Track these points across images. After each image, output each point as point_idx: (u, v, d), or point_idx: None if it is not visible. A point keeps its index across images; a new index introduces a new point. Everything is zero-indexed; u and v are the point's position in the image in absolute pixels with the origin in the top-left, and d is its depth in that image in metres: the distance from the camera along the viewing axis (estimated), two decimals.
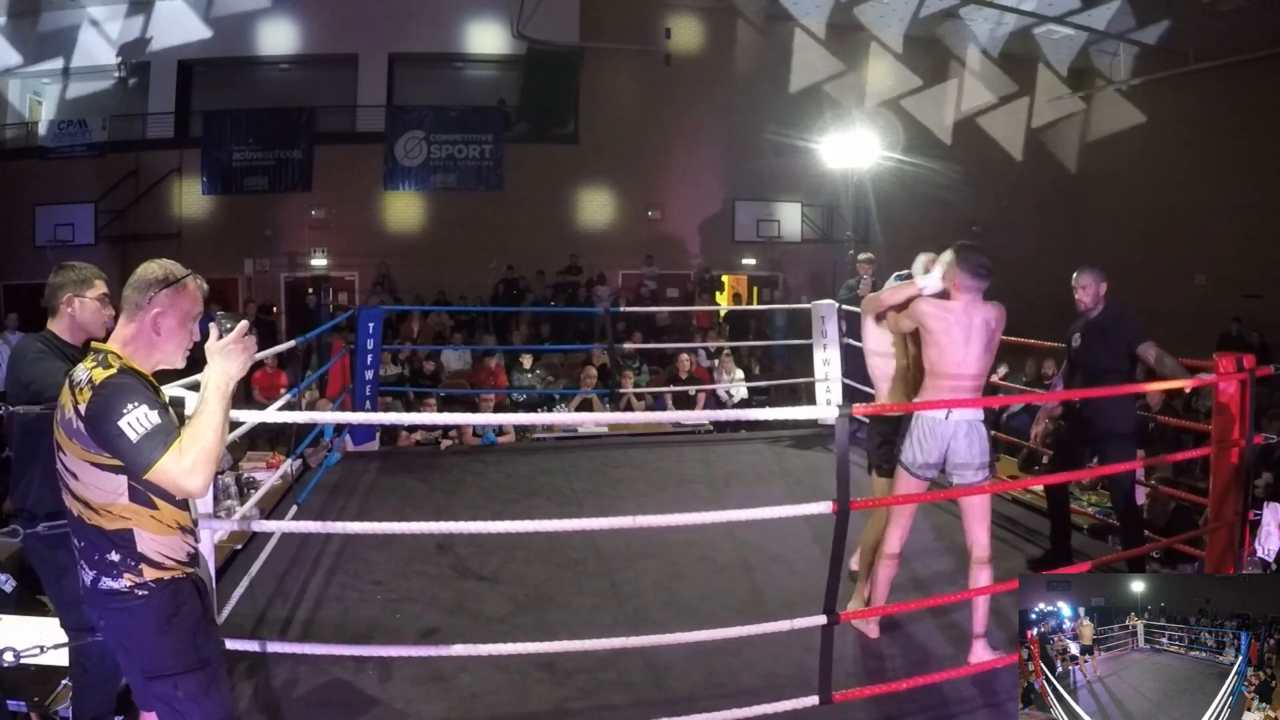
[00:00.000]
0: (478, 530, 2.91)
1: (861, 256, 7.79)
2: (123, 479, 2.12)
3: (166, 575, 2.19)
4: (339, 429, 6.62)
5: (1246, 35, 13.66)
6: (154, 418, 2.04)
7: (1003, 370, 8.69)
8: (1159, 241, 16.00)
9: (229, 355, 2.17)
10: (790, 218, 17.76)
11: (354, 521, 4.31)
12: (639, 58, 16.71)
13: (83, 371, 2.12)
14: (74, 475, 2.13)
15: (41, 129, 15.79)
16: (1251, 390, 3.77)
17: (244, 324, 2.20)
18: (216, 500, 4.71)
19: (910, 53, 17.76)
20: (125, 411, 2.01)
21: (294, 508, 5.28)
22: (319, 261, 16.19)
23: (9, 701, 3.24)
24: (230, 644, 3.07)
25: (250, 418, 3.76)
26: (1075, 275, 4.71)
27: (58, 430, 2.13)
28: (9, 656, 2.78)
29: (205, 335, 2.22)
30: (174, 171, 15.83)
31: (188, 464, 2.02)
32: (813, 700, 3.03)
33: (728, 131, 17.02)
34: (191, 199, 15.97)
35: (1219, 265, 15.17)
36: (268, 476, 5.39)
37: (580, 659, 3.46)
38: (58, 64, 15.67)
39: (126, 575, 2.15)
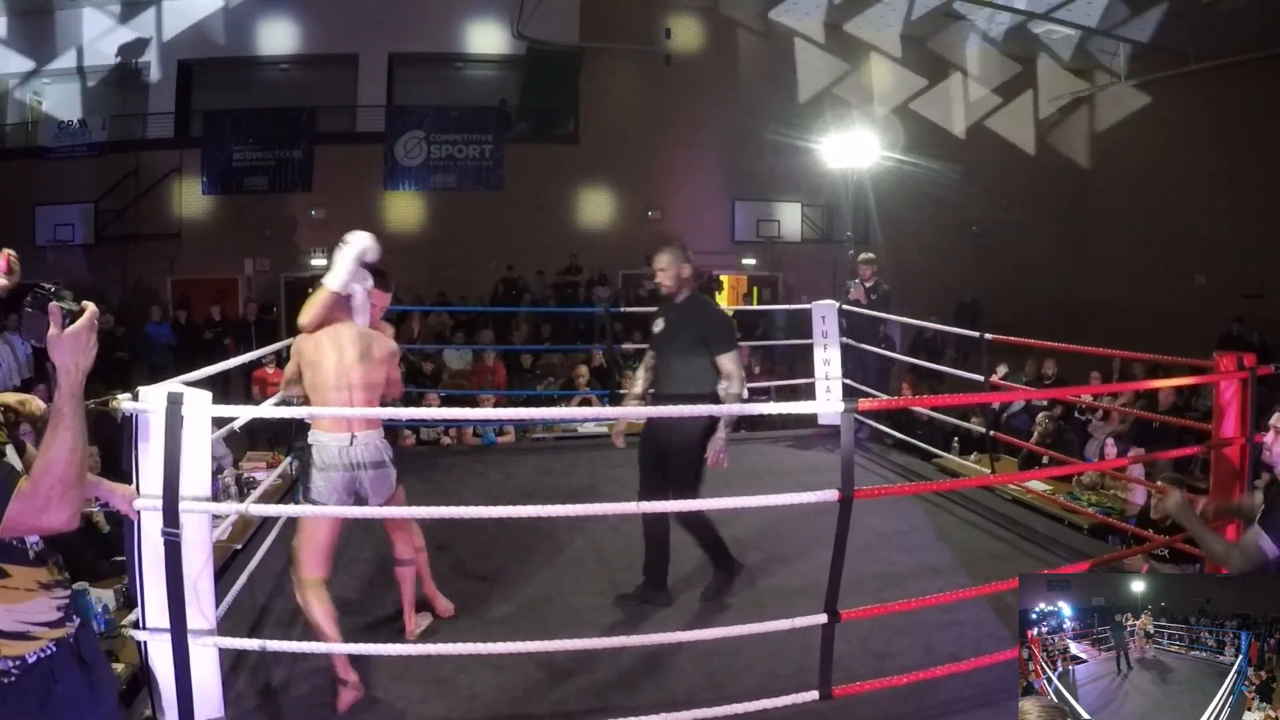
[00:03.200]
0: (477, 515, 2.87)
1: (861, 257, 7.78)
2: None
3: (31, 650, 1.80)
4: None
5: (1246, 35, 13.65)
6: None
7: (1002, 370, 8.68)
8: (1159, 241, 16.01)
9: (81, 346, 1.71)
10: (790, 218, 17.76)
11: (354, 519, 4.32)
12: (639, 58, 16.70)
13: None
14: None
15: (41, 129, 15.78)
16: (1252, 389, 3.77)
17: (91, 307, 1.75)
18: (216, 500, 4.71)
19: (909, 53, 17.76)
20: None
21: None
22: (319, 261, 16.16)
23: None
24: (230, 643, 3.07)
25: (246, 413, 3.78)
26: (655, 256, 4.08)
27: None
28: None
29: (33, 318, 1.72)
30: (174, 171, 15.81)
31: (40, 502, 1.67)
32: (813, 695, 3.03)
33: (728, 131, 17.01)
34: (191, 199, 15.96)
35: (1219, 265, 15.17)
36: (268, 476, 5.40)
37: (580, 659, 3.46)
38: (58, 64, 15.66)
39: None
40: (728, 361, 3.99)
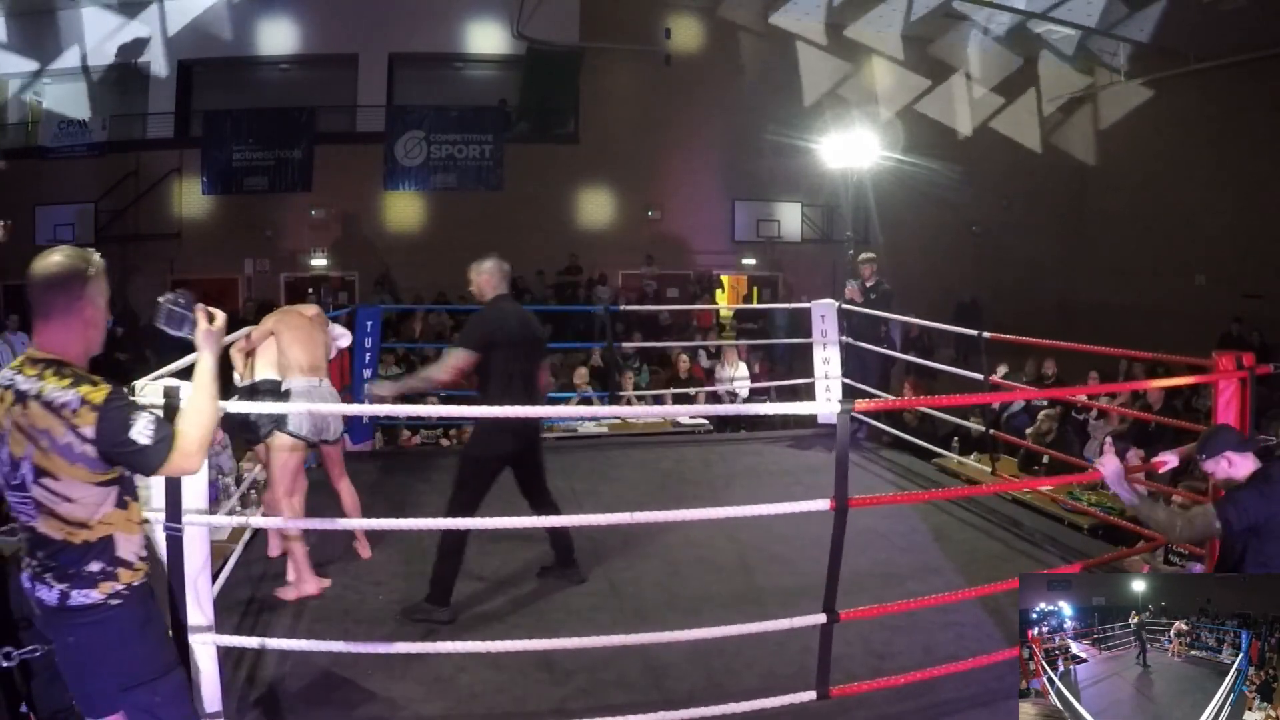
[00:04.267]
0: (477, 525, 2.90)
1: (862, 256, 7.78)
2: (114, 489, 2.10)
3: (137, 579, 2.16)
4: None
5: (1246, 35, 13.65)
6: (151, 419, 2.06)
7: (1002, 369, 8.67)
8: (1159, 241, 16.00)
9: (214, 340, 2.23)
10: (790, 218, 17.76)
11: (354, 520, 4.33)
12: (639, 58, 16.70)
13: (58, 390, 2.01)
14: (65, 499, 2.05)
15: (41, 129, 15.78)
16: (1251, 389, 3.76)
17: (221, 314, 2.28)
18: (216, 501, 4.72)
19: (909, 53, 17.75)
20: (132, 423, 2.02)
21: None
22: (319, 261, 16.18)
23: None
24: (230, 642, 3.08)
25: (243, 410, 3.83)
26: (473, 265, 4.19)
27: (44, 458, 2.02)
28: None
29: (173, 319, 2.23)
30: (174, 171, 15.82)
31: (192, 449, 2.09)
32: (810, 695, 3.02)
33: (728, 131, 17.01)
34: (191, 199, 15.97)
35: (1219, 265, 15.16)
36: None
37: (580, 659, 3.46)
38: (58, 64, 15.65)
39: (103, 584, 2.09)
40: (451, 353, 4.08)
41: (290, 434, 4.26)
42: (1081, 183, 18.19)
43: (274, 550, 4.62)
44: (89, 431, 2.01)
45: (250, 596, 4.15)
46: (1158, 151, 16.13)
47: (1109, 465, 2.95)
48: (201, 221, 15.98)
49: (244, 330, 4.55)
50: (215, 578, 3.72)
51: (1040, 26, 16.69)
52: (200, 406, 2.16)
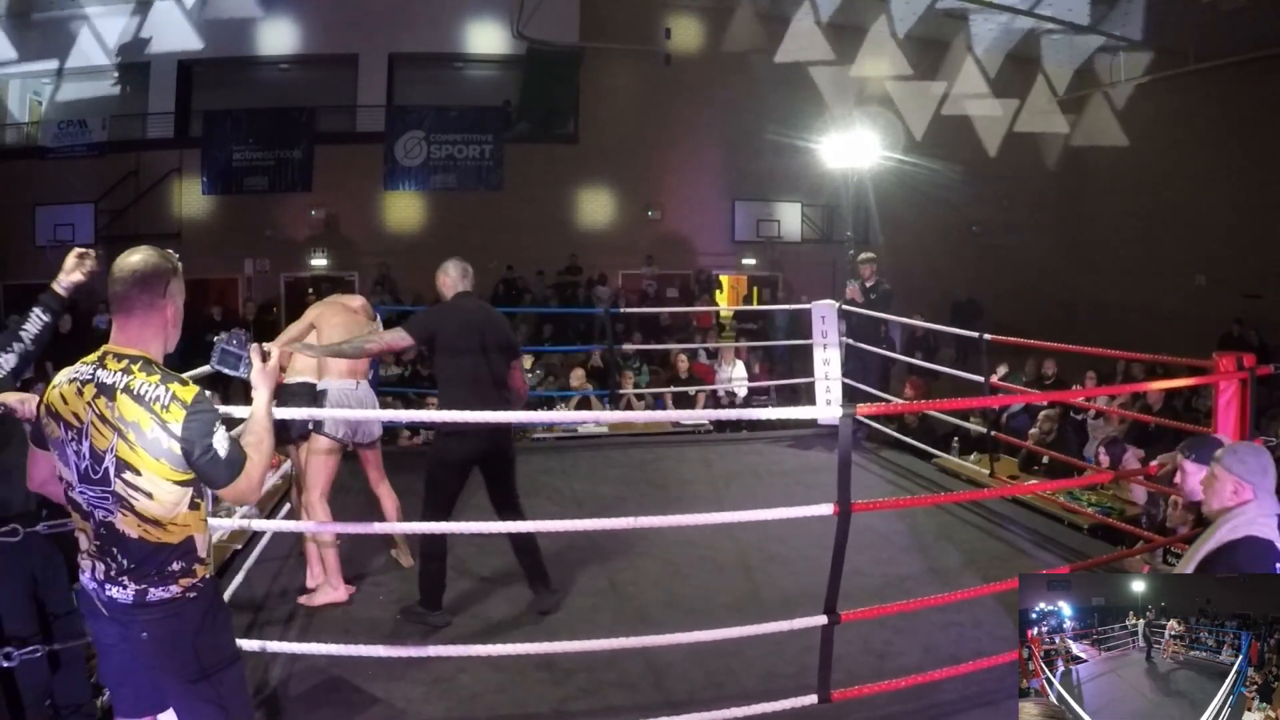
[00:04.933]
0: (478, 530, 2.92)
1: (861, 256, 7.78)
2: (190, 489, 2.13)
3: (209, 572, 2.21)
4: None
5: (1246, 35, 13.64)
6: (230, 437, 2.12)
7: (1002, 370, 8.68)
8: (1159, 241, 15.99)
9: (270, 379, 2.31)
10: (790, 218, 17.75)
11: (355, 522, 4.32)
12: (639, 58, 16.70)
13: (148, 385, 2.04)
14: (147, 495, 2.06)
15: (41, 129, 15.77)
16: (1251, 390, 3.77)
17: (276, 349, 2.40)
18: (217, 501, 4.72)
19: (911, 53, 17.74)
20: (215, 430, 2.07)
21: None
22: (319, 261, 16.18)
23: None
24: None
25: (243, 413, 3.77)
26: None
27: (129, 451, 2.04)
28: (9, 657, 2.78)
29: (228, 359, 2.31)
30: (174, 171, 15.81)
31: (256, 480, 2.16)
32: (812, 699, 3.03)
33: (728, 131, 17.00)
34: (191, 199, 15.96)
35: (1219, 265, 15.15)
36: (269, 477, 5.39)
37: (580, 659, 3.46)
38: (57, 64, 15.64)
39: (182, 579, 2.12)
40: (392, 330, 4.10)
41: (328, 436, 4.18)
42: (1082, 182, 18.18)
43: (313, 557, 4.37)
44: (176, 428, 2.04)
45: (251, 597, 4.16)
46: (1158, 152, 16.13)
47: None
48: (201, 221, 15.97)
49: (287, 332, 4.35)
50: (219, 578, 3.72)
51: (1040, 26, 16.69)
52: (259, 442, 2.20)
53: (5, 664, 2.86)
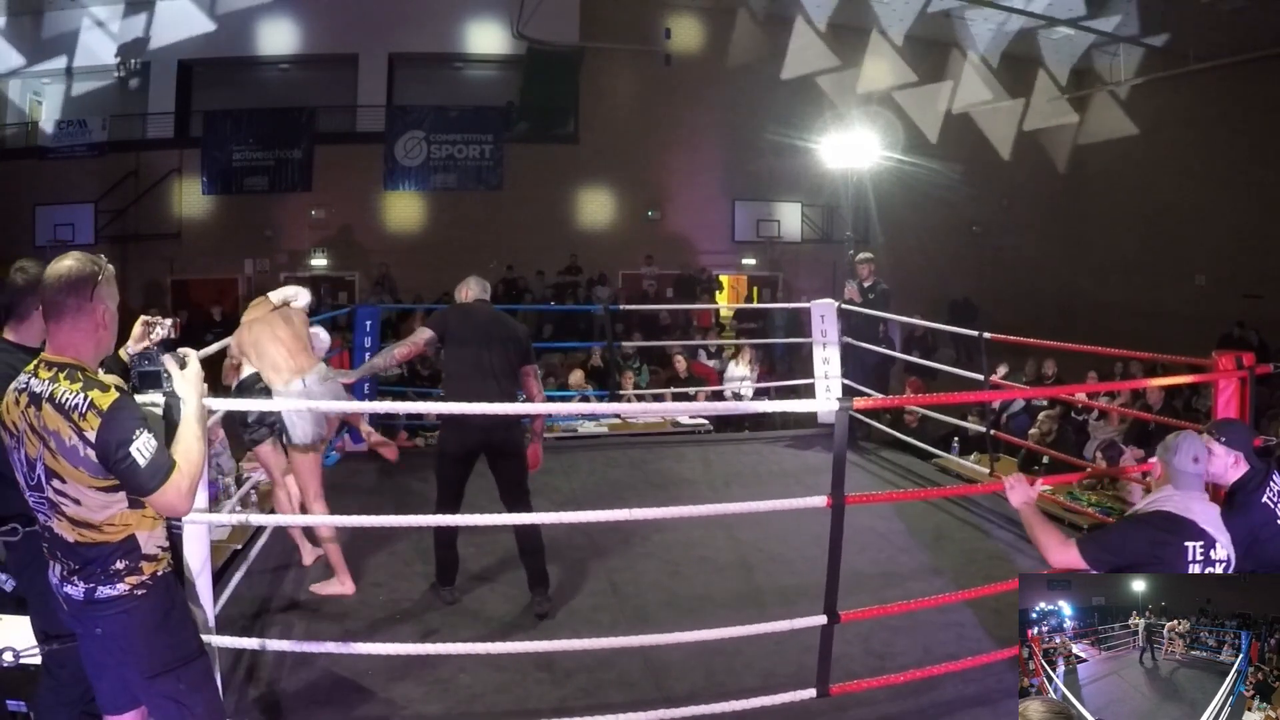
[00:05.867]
0: (478, 522, 2.91)
1: (861, 256, 7.77)
2: (121, 493, 2.12)
3: (160, 569, 2.22)
4: (339, 429, 6.61)
5: (1246, 35, 13.65)
6: (154, 442, 2.07)
7: (1002, 370, 8.67)
8: (1159, 241, 16.00)
9: (194, 382, 2.27)
10: (790, 218, 17.76)
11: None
12: (639, 58, 16.71)
13: (69, 393, 2.04)
14: (74, 501, 2.09)
15: (41, 129, 15.78)
16: (1251, 389, 3.77)
17: (193, 353, 2.35)
18: (216, 500, 4.72)
19: (911, 53, 17.76)
20: (134, 437, 2.03)
21: None
22: (319, 261, 16.18)
23: (9, 701, 3.24)
24: (230, 642, 3.08)
25: (244, 406, 3.86)
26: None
27: (53, 459, 2.07)
28: (8, 656, 2.77)
29: (149, 380, 2.27)
30: (174, 171, 15.82)
31: (185, 489, 2.10)
32: (810, 693, 3.03)
33: (728, 131, 17.01)
34: (191, 199, 15.97)
35: (1219, 265, 15.17)
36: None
37: (580, 659, 3.46)
38: (58, 64, 15.65)
39: (128, 578, 2.15)
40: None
41: (298, 445, 4.17)
42: (1082, 182, 18.19)
43: (307, 559, 4.54)
44: (91, 435, 2.03)
45: (251, 597, 4.15)
46: (1158, 152, 16.14)
47: (1016, 493, 2.78)
48: (201, 221, 15.98)
49: (226, 345, 4.40)
50: (218, 578, 3.73)
51: (1041, 27, 16.70)
52: (190, 448, 2.16)
53: (45, 651, 2.85)
